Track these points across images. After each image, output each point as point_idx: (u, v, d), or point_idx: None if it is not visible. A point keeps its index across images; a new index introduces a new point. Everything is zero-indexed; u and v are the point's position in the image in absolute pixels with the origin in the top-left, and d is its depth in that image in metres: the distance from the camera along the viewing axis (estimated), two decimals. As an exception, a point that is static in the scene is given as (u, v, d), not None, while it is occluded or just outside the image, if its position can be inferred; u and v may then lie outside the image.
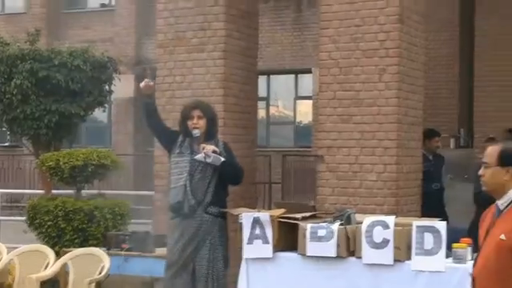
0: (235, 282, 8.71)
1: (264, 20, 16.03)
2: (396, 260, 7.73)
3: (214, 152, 8.48)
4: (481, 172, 5.56)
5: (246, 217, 8.30)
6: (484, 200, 7.58)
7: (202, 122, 8.58)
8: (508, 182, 5.45)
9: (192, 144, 8.57)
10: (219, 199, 8.50)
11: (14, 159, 26.54)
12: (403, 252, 7.75)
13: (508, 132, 15.67)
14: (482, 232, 5.62)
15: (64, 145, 15.84)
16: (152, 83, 9.22)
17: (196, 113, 8.61)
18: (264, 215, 8.26)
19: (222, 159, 8.51)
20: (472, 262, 7.33)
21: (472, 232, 7.98)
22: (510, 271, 5.28)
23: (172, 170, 8.51)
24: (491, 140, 13.81)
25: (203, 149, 8.41)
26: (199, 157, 8.47)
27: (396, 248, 7.72)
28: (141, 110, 9.30)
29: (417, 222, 7.83)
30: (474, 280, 5.53)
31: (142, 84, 9.00)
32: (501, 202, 5.45)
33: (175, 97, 13.36)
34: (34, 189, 18.45)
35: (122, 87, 24.53)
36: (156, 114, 9.30)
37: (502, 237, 5.29)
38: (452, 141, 17.91)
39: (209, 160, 8.41)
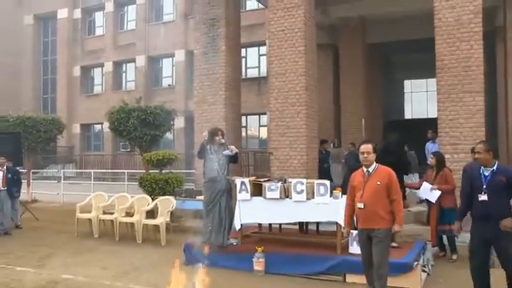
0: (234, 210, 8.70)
1: (243, 90, 16.09)
2: (307, 198, 7.49)
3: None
4: (365, 155, 5.77)
5: (238, 180, 8.17)
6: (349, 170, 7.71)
7: (222, 136, 8.40)
8: (374, 159, 5.79)
9: (218, 148, 8.23)
10: (228, 172, 8.30)
11: (132, 157, 26.59)
12: (310, 195, 7.49)
13: (351, 144, 14.26)
14: (357, 183, 5.82)
15: (153, 149, 15.76)
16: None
17: (219, 132, 8.40)
18: (246, 180, 8.10)
19: (237, 150, 8.38)
20: (342, 199, 7.38)
21: (343, 186, 8.11)
22: (382, 197, 5.62)
23: (208, 161, 8.20)
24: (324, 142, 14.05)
25: (230, 148, 8.25)
26: (227, 152, 8.28)
27: (307, 193, 7.52)
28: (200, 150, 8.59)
29: (317, 181, 7.77)
30: (364, 205, 5.67)
31: (230, 149, 8.30)
32: (370, 169, 5.75)
33: (202, 126, 13.42)
34: (141, 169, 18.29)
35: (179, 122, 24.88)
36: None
37: (378, 183, 5.66)
38: (332, 144, 18.00)
39: (234, 152, 8.23)
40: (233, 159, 8.43)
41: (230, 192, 8.42)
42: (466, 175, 5.86)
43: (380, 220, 5.63)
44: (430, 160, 8.69)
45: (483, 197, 5.36)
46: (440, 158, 8.63)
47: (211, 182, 8.24)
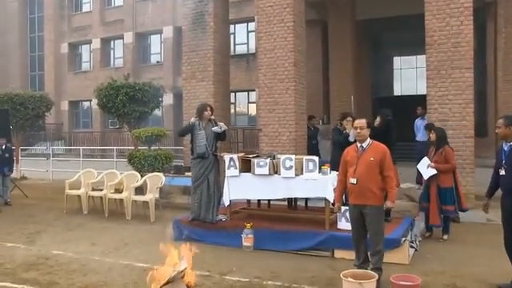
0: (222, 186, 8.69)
1: (232, 67, 15.96)
2: (296, 175, 7.45)
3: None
4: (358, 130, 5.75)
5: (227, 157, 8.11)
6: (339, 147, 7.67)
7: (211, 112, 8.24)
8: (368, 135, 5.76)
9: (207, 124, 8.16)
10: (216, 149, 8.27)
11: (120, 134, 26.42)
12: (299, 171, 7.44)
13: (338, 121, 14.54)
14: (351, 158, 5.78)
15: (142, 126, 15.68)
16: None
17: (208, 107, 8.26)
18: (234, 156, 8.06)
19: (226, 127, 8.27)
20: (331, 175, 7.46)
21: (331, 162, 8.10)
22: (375, 172, 5.56)
23: (197, 137, 8.10)
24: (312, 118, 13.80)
25: (219, 125, 8.16)
26: (216, 129, 8.13)
27: (296, 169, 7.54)
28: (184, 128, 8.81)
29: (305, 157, 7.73)
30: (357, 180, 5.63)
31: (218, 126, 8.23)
32: (364, 144, 5.72)
33: (191, 103, 13.40)
34: (130, 146, 18.19)
35: (167, 99, 24.68)
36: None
37: (371, 159, 5.62)
38: (321, 121, 17.95)
39: (223, 129, 8.14)
40: (222, 136, 8.39)
41: (218, 168, 8.41)
42: (496, 151, 5.85)
43: (372, 196, 5.59)
44: (430, 135, 8.38)
45: (502, 171, 5.43)
46: (440, 134, 8.24)
47: (199, 157, 8.20)
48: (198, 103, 9.21)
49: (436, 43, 10.49)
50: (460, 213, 8.23)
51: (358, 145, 5.82)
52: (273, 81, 12.16)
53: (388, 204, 5.61)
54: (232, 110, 23.41)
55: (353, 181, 5.70)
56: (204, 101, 11.63)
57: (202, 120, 8.29)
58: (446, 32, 10.42)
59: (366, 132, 5.77)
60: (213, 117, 8.41)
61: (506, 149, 5.47)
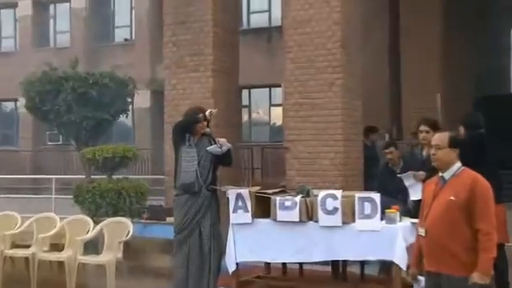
0: (225, 241, 8.65)
1: (244, 48, 15.93)
2: (344, 223, 7.48)
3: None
4: (433, 151, 5.66)
5: (232, 192, 8.22)
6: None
7: (207, 121, 8.27)
8: (454, 159, 5.59)
9: (199, 140, 8.20)
10: (214, 179, 8.32)
11: (65, 154, 26.45)
12: (349, 216, 7.52)
13: (412, 135, 13.48)
14: (427, 197, 5.69)
15: (98, 143, 15.76)
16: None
17: (200, 114, 8.23)
18: (244, 191, 8.16)
19: (230, 146, 8.32)
20: (402, 224, 7.41)
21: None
22: (457, 222, 5.37)
23: (183, 159, 8.17)
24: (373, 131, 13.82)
25: (218, 142, 8.15)
26: (213, 148, 8.22)
27: (344, 214, 7.61)
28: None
29: (358, 194, 7.75)
30: (426, 231, 5.51)
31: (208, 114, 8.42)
32: (446, 174, 5.56)
33: (178, 105, 13.36)
34: (78, 174, 18.26)
35: (141, 100, 24.74)
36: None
37: (452, 198, 5.40)
38: (387, 135, 17.79)
39: (225, 148, 8.16)
40: (223, 159, 8.36)
41: (217, 211, 8.39)
42: None
43: (452, 260, 5.38)
44: None
45: None
46: None
47: (186, 193, 8.17)
48: (188, 107, 9.16)
49: None
50: None
51: (440, 175, 5.70)
52: (308, 71, 12.13)
53: (475, 277, 5.31)
54: (245, 117, 23.38)
55: (421, 231, 5.63)
56: (198, 102, 11.58)
57: (193, 134, 8.28)
58: None
59: (446, 154, 5.58)
60: (208, 130, 8.35)
61: None
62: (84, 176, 15.34)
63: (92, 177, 14.66)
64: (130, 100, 16.32)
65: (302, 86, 12.20)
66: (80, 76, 14.93)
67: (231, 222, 8.19)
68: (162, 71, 14.78)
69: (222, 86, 13.87)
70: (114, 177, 13.89)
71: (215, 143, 8.25)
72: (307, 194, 8.03)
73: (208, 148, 8.22)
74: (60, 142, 23.74)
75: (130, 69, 21.68)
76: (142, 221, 11.30)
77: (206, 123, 8.32)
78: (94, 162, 13.49)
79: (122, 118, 18.94)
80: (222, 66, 13.95)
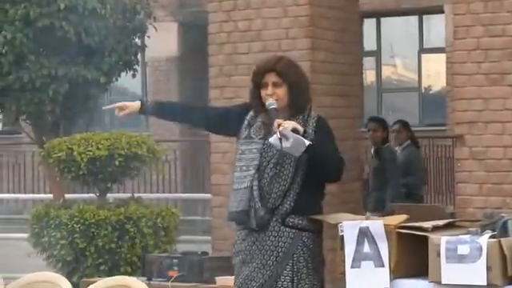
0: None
1: None
2: None
3: (294, 131, 7.85)
4: None
5: (349, 227, 8.09)
6: None
7: (281, 91, 8.18)
8: None
9: (267, 123, 8.16)
10: (306, 205, 8.11)
11: (10, 151, 26.98)
12: None
13: None
14: None
15: (78, 127, 15.95)
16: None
17: (271, 78, 8.20)
18: (376, 224, 8.05)
19: (307, 143, 7.89)
20: None
21: None
22: None
23: (237, 163, 8.19)
24: None
25: (278, 126, 7.75)
26: (273, 140, 7.93)
27: None
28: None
29: None
30: None
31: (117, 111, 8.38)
32: None
33: (237, 52, 13.44)
34: (38, 192, 18.79)
35: (161, 41, 25.06)
36: (178, 112, 9.00)
37: None
38: None
39: (287, 144, 7.82)
40: (322, 166, 8.15)
41: (309, 265, 8.24)
42: None
43: None
44: None
45: None
46: None
47: (241, 226, 8.09)
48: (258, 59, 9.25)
49: None
50: None
51: None
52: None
53: None
54: (370, 75, 23.66)
55: None
56: (273, 48, 11.73)
57: (259, 112, 8.24)
58: None
59: None
60: (272, 101, 8.26)
61: None
62: (50, 195, 15.60)
63: (67, 196, 14.88)
64: (139, 42, 16.47)
65: (489, 12, 12.40)
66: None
67: (347, 278, 8.14)
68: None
69: (325, 12, 13.95)
70: (112, 196, 14.07)
71: (299, 132, 7.93)
72: (503, 231, 7.97)
73: (270, 139, 7.94)
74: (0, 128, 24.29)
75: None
76: (169, 284, 11.44)
77: (271, 88, 8.18)
78: (72, 166, 13.52)
79: (125, 78, 19.05)
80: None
